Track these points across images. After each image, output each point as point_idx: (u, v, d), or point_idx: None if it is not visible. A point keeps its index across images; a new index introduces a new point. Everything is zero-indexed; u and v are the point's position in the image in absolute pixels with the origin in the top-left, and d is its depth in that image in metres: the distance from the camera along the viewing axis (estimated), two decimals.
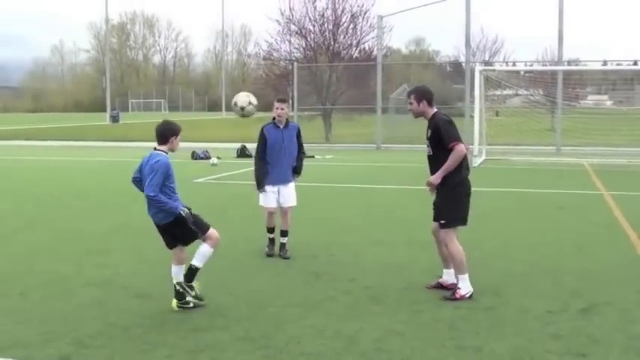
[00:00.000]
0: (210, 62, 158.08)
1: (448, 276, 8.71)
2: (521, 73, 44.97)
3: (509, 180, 21.78)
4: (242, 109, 10.78)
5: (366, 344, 6.76)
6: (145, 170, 7.64)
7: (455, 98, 51.69)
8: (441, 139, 8.24)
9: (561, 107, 35.97)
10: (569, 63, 43.98)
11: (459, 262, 8.38)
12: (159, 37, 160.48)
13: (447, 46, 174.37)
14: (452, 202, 8.41)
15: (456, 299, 8.21)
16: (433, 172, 8.41)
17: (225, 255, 10.45)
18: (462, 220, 8.50)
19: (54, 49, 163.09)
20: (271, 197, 10.73)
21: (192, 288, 7.78)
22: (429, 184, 8.41)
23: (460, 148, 8.15)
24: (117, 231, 12.96)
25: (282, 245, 10.81)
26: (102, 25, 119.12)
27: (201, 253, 7.83)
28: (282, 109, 10.66)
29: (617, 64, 41.22)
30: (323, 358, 6.38)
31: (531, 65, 48.63)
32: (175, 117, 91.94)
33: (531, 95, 43.55)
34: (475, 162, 26.73)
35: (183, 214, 7.63)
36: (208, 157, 29.47)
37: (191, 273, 7.80)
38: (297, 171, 10.94)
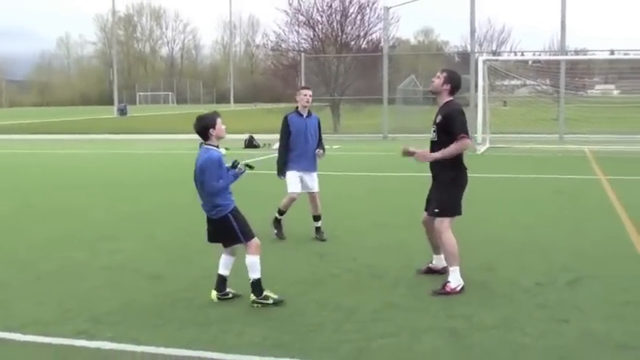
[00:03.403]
0: (219, 54, 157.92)
1: (438, 261, 8.85)
2: (529, 62, 45.25)
3: (511, 167, 22.19)
4: None
5: (364, 315, 7.27)
6: (196, 166, 7.64)
7: (464, 89, 51.89)
8: (451, 128, 8.18)
9: (564, 96, 36.37)
10: (577, 53, 44.24)
11: (451, 252, 8.22)
12: (166, 28, 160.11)
13: (455, 36, 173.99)
14: (448, 192, 8.39)
15: (446, 293, 8.02)
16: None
17: None
18: (457, 211, 8.49)
19: (60, 42, 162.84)
20: (295, 182, 11.12)
21: (267, 298, 7.64)
22: (421, 155, 8.33)
23: (466, 142, 8.17)
24: (128, 219, 13.46)
25: (318, 229, 11.30)
26: (108, 16, 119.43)
27: (250, 264, 7.69)
28: (310, 95, 11.19)
29: (625, 54, 41.41)
30: (324, 328, 6.87)
31: (539, 55, 48.83)
32: (184, 109, 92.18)
33: (538, 85, 43.88)
34: (479, 150, 27.23)
35: (242, 170, 7.85)
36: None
37: (255, 286, 7.66)
38: (322, 147, 11.37)
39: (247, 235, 7.71)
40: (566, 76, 37.07)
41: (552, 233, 11.54)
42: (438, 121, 8.35)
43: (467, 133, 8.24)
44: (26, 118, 72.28)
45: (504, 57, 46.77)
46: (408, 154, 8.48)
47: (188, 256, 9.99)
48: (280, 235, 11.21)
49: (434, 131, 8.40)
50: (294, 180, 11.10)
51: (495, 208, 14.10)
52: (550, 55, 46.72)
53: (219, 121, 7.65)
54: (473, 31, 39.10)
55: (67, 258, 10.22)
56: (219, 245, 8.00)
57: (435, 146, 8.39)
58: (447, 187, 8.40)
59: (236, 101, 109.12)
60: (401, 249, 10.42)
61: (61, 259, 10.14)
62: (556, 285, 8.34)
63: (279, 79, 48.52)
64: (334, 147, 31.68)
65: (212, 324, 7.08)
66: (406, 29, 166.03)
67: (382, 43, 43.57)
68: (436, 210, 8.39)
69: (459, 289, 8.11)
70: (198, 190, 7.72)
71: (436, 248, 8.87)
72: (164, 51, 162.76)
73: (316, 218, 11.33)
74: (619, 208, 13.83)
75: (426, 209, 8.72)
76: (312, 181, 11.21)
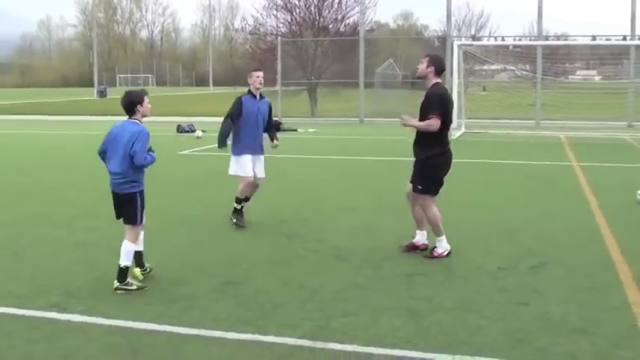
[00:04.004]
0: (198, 37, 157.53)
1: (421, 237, 9.28)
2: (510, 47, 45.32)
3: (484, 152, 22.41)
4: None
5: (327, 294, 7.47)
6: (119, 138, 7.66)
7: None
8: (427, 108, 8.72)
9: (542, 82, 36.47)
10: (558, 38, 44.32)
11: (435, 225, 8.97)
12: (146, 11, 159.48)
13: (434, 20, 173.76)
14: (426, 171, 8.89)
15: (433, 257, 8.91)
16: (417, 135, 8.95)
17: (204, 220, 11.06)
18: (432, 190, 9.00)
19: (41, 24, 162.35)
20: (250, 166, 10.87)
21: (130, 284, 7.62)
22: (403, 120, 8.93)
23: (434, 122, 8.61)
24: (105, 198, 13.41)
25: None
26: None
27: (125, 251, 7.67)
28: (262, 76, 10.92)
29: (607, 39, 41.52)
30: (287, 306, 7.07)
31: (519, 40, 48.93)
32: (163, 92, 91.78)
33: (517, 70, 43.99)
34: (453, 135, 27.38)
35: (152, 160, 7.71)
36: (193, 131, 29.92)
37: (123, 273, 7.60)
38: (272, 135, 11.24)
39: (141, 219, 7.87)
40: (547, 61, 37.17)
41: (520, 218, 11.73)
42: (421, 101, 8.85)
43: (438, 114, 8.63)
44: (7, 99, 71.93)
45: (480, 42, 46.65)
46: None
47: (159, 235, 10.12)
48: (241, 224, 10.85)
49: (419, 111, 8.92)
50: (247, 163, 10.86)
51: (466, 193, 14.24)
52: (529, 40, 46.84)
53: (146, 99, 7.84)
54: (449, 15, 39.23)
55: (43, 235, 10.44)
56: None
57: None
58: (424, 166, 8.89)
59: (215, 84, 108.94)
60: (368, 231, 10.61)
61: (37, 236, 10.36)
62: (519, 269, 8.52)
63: (258, 63, 48.30)
64: (310, 130, 31.86)
65: (179, 300, 7.26)
66: (385, 13, 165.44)
67: (359, 27, 43.58)
68: (419, 187, 8.93)
69: (445, 253, 8.96)
70: (116, 163, 7.68)
71: (419, 224, 9.26)
72: (144, 34, 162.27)
73: (248, 199, 11.10)
74: (589, 194, 13.99)
75: (412, 182, 9.08)
76: (260, 165, 11.03)
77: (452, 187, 14.32)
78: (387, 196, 13.61)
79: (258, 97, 10.94)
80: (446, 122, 8.81)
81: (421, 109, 8.85)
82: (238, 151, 10.93)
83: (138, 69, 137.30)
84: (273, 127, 11.38)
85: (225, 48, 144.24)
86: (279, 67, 39.68)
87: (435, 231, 9.02)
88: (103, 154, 7.86)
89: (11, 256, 9.20)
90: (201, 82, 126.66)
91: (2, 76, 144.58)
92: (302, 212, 11.88)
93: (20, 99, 74.59)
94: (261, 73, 10.98)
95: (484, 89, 44.65)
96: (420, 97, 9.19)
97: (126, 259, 7.65)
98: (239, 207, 10.94)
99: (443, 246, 9.01)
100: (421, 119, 8.82)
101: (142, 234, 8.08)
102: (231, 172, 11.05)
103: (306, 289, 7.66)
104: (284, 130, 30.95)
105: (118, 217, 8.06)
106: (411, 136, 9.19)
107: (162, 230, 10.47)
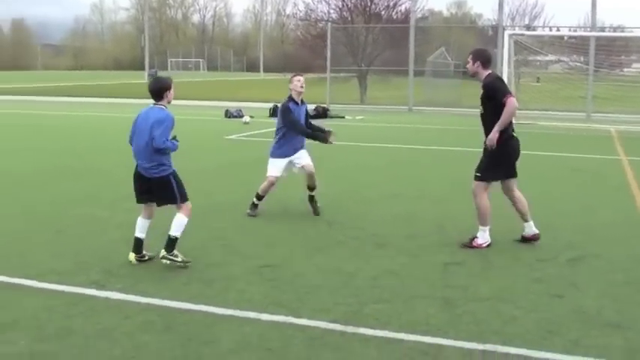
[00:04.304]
0: (250, 22, 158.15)
1: (528, 229, 9.35)
2: (565, 38, 44.68)
3: (531, 144, 21.89)
4: None
5: (362, 281, 7.53)
6: (145, 124, 7.92)
7: (494, 63, 51.24)
8: (493, 97, 8.75)
9: (595, 74, 35.87)
10: (615, 29, 43.54)
11: (482, 214, 9.05)
12: None
13: (488, 9, 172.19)
14: (491, 159, 8.96)
15: (471, 246, 8.95)
16: (485, 129, 8.97)
17: (246, 204, 11.11)
18: (489, 177, 9.08)
19: (94, 7, 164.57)
20: (279, 168, 10.85)
21: (176, 256, 7.86)
22: (488, 140, 8.85)
23: (512, 101, 8.61)
24: None
25: (313, 197, 11.08)
26: None
27: (178, 223, 7.91)
28: (303, 81, 10.81)
29: None
30: (322, 291, 7.15)
31: (574, 31, 48.15)
32: (214, 77, 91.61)
33: (571, 62, 43.37)
34: None
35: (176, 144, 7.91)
36: (241, 116, 30.09)
37: (172, 243, 7.87)
38: (320, 129, 11.11)
39: (183, 196, 7.99)
40: (602, 53, 36.50)
41: (563, 210, 11.65)
42: (481, 94, 8.96)
43: (508, 94, 8.72)
44: (60, 81, 72.95)
45: (531, 32, 45.83)
46: None
47: (199, 217, 10.21)
48: (253, 214, 10.82)
49: (480, 105, 9.03)
50: (276, 165, 10.84)
51: None
52: (581, 30, 46.12)
53: (172, 87, 8.11)
54: (501, 4, 38.80)
55: (87, 214, 10.68)
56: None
57: (483, 118, 9.03)
58: (487, 153, 8.98)
59: (266, 70, 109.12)
60: (409, 220, 10.62)
61: (81, 216, 10.60)
62: (557, 261, 8.48)
63: (308, 50, 48.33)
64: (357, 118, 31.84)
65: (216, 281, 7.41)
66: (439, 0, 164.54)
67: (411, 14, 43.34)
68: (478, 174, 9.06)
69: (485, 245, 9.01)
70: (141, 148, 7.90)
71: (523, 216, 9.39)
72: (196, 18, 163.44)
73: (313, 189, 11.06)
74: (635, 189, 13.81)
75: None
76: (304, 157, 10.91)
77: None
78: (431, 185, 13.65)
79: (299, 102, 10.85)
80: None
81: (484, 99, 8.91)
82: (276, 154, 10.91)
83: (189, 53, 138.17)
84: (314, 127, 11.16)
85: (276, 34, 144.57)
86: (328, 54, 39.58)
87: (481, 220, 9.07)
88: (132, 141, 8.08)
89: (55, 234, 9.45)
90: (253, 67, 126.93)
91: (56, 59, 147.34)
92: (345, 199, 11.96)
93: (73, 81, 75.64)
94: (302, 78, 10.85)
95: (538, 80, 44.10)
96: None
97: (176, 231, 7.88)
98: (257, 202, 10.91)
99: (484, 237, 9.04)
100: (485, 110, 8.93)
101: (148, 222, 8.22)
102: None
103: (343, 274, 7.73)
104: (331, 117, 31.02)
105: (139, 201, 8.24)
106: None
107: (204, 213, 10.58)
